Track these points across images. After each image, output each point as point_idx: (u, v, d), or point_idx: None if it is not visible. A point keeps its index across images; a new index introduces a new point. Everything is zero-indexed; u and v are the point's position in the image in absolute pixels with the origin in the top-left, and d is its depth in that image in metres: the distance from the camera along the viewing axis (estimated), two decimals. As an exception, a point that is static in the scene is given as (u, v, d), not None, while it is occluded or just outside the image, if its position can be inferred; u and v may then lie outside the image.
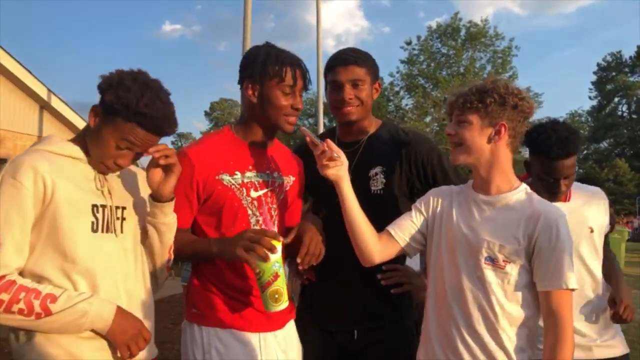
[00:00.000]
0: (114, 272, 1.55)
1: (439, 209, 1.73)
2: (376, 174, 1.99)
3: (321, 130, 11.49)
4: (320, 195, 1.79)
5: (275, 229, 1.79)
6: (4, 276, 1.41)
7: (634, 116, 38.15)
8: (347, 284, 1.98)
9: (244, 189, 1.76)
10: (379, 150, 2.03)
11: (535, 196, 1.64)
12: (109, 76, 1.53)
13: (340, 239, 1.75)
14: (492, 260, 1.57)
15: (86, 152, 1.57)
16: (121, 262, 1.58)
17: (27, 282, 1.43)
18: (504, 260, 1.56)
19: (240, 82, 1.81)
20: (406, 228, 1.74)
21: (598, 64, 39.68)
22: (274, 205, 1.83)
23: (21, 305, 1.40)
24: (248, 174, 1.78)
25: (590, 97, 40.52)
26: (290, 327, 1.89)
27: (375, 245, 1.71)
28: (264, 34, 62.50)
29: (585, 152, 40.13)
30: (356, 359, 2.01)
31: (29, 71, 10.59)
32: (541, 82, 71.84)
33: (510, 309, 1.56)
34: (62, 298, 1.43)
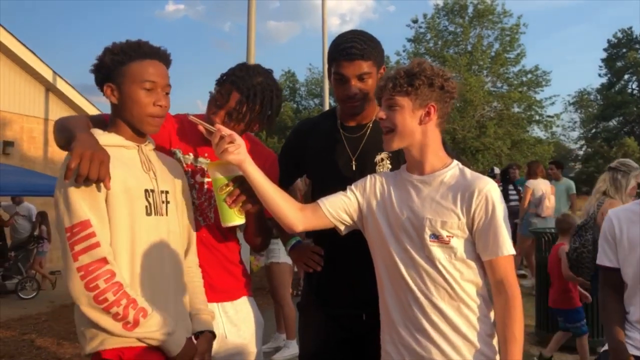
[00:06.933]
0: (167, 254, 1.65)
1: (374, 194, 1.76)
2: (382, 159, 2.02)
3: (327, 108, 11.39)
4: (323, 182, 1.82)
5: (213, 216, 1.90)
6: (106, 260, 1.48)
7: (644, 94, 37.56)
8: (353, 269, 1.99)
9: (190, 170, 1.88)
10: None
11: (468, 170, 1.69)
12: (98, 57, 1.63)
13: None
14: (437, 237, 1.62)
15: (126, 135, 1.65)
16: (167, 243, 1.67)
17: (129, 290, 1.51)
18: (447, 236, 1.61)
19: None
20: (336, 204, 1.76)
21: (608, 41, 38.97)
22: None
23: (120, 310, 1.48)
24: (201, 159, 1.89)
25: (600, 75, 39.94)
26: (244, 302, 1.99)
27: (296, 216, 1.73)
28: (269, 13, 61.94)
29: (594, 130, 39.74)
30: (363, 340, 2.03)
31: (34, 54, 10.59)
32: (549, 59, 70.91)
33: (462, 281, 1.62)
34: (151, 321, 1.52)
